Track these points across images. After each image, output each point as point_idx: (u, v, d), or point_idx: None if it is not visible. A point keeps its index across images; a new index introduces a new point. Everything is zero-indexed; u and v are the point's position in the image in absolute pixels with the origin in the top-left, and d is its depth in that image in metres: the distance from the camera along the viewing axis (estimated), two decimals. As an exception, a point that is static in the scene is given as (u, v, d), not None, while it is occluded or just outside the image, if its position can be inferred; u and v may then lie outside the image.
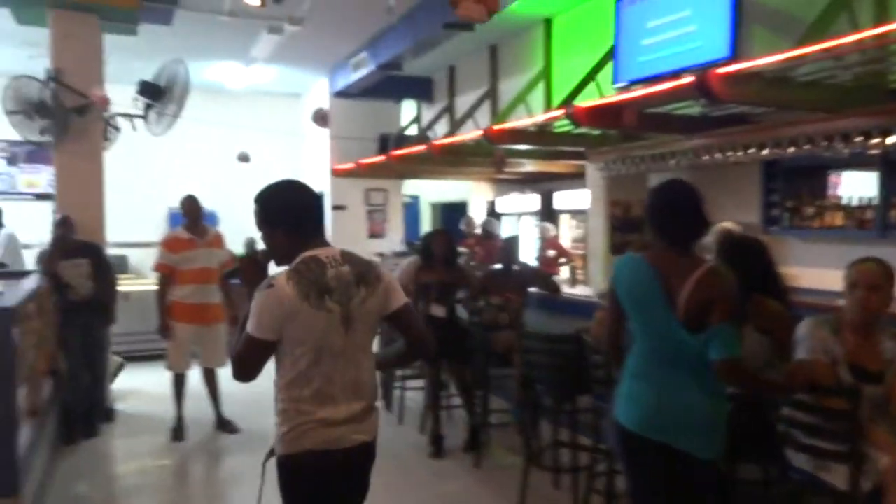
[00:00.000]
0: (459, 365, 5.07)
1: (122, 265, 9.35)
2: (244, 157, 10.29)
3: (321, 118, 9.85)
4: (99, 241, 5.95)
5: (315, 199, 2.36)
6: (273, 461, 2.25)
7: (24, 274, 5.68)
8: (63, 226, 5.56)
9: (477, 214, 10.69)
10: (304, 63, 9.61)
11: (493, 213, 10.94)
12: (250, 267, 2.33)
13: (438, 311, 5.04)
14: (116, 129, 6.62)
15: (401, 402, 5.85)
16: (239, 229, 10.16)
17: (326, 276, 2.19)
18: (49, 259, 5.44)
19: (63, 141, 5.94)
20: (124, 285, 7.03)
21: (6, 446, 3.42)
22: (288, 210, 2.29)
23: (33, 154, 9.80)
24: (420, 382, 5.71)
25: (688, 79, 4.34)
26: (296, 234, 2.26)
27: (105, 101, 6.07)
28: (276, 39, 7.78)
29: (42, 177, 10.09)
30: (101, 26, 6.24)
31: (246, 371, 2.20)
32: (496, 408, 5.31)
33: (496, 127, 6.72)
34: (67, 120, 5.87)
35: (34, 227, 7.72)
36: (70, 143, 5.98)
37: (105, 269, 5.64)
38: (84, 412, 5.39)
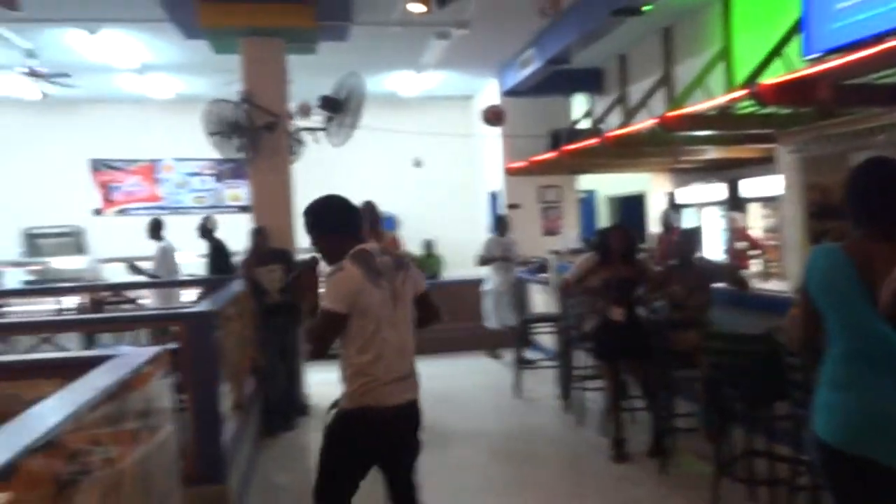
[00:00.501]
0: (639, 365, 4.85)
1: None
2: (418, 163, 10.65)
3: (494, 116, 9.88)
4: (289, 247, 6.39)
5: (353, 206, 2.91)
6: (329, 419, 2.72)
7: (225, 281, 6.22)
8: (258, 235, 6.03)
9: (656, 207, 10.24)
10: (473, 65, 9.73)
11: (673, 205, 10.43)
12: (310, 275, 2.82)
13: (617, 314, 4.84)
14: (300, 142, 7.07)
15: (580, 403, 5.72)
16: (416, 231, 10.48)
17: (375, 262, 2.70)
18: (246, 266, 5.92)
19: (255, 156, 6.46)
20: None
21: (213, 438, 3.76)
22: (336, 215, 2.84)
23: (236, 170, 10.75)
24: (600, 383, 5.54)
25: (893, 42, 3.84)
26: (344, 235, 2.78)
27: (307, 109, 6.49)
28: (445, 44, 7.95)
29: (243, 191, 11.07)
30: (285, 48, 6.71)
31: (322, 344, 2.73)
32: (683, 411, 5.03)
33: (672, 113, 6.37)
34: (258, 137, 6.36)
35: (239, 238, 8.50)
36: (261, 159, 6.48)
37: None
38: (282, 407, 5.81)
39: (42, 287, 8.74)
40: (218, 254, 7.25)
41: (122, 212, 11.24)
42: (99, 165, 11.20)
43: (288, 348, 5.92)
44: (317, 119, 6.81)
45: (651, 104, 8.09)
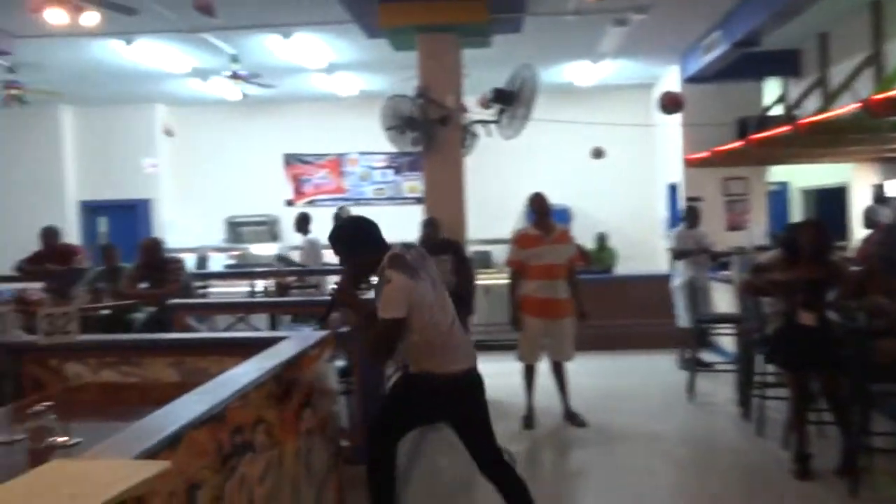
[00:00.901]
0: (830, 376, 4.40)
1: (484, 260, 10.12)
2: (599, 153, 10.34)
3: (672, 102, 9.36)
4: (460, 239, 6.50)
5: (372, 221, 3.30)
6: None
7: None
8: (430, 226, 6.19)
9: (860, 200, 9.24)
10: (653, 52, 9.31)
11: (880, 199, 9.35)
12: (345, 295, 3.20)
13: (807, 318, 4.42)
14: (474, 135, 7.16)
15: (760, 412, 5.30)
16: (589, 223, 10.23)
17: (408, 260, 3.06)
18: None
19: (429, 149, 6.63)
20: (485, 279, 7.59)
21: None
22: (365, 234, 3.23)
23: (413, 163, 11.11)
24: (784, 391, 5.11)
25: None
26: (375, 247, 3.16)
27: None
28: (623, 31, 7.66)
29: (420, 183, 11.44)
30: (459, 43, 6.82)
31: (388, 348, 3.07)
32: (881, 429, 4.50)
33: (880, 96, 5.69)
34: (432, 130, 6.52)
35: (413, 229, 8.81)
36: (435, 152, 6.65)
37: (464, 265, 6.13)
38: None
39: (238, 271, 9.57)
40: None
41: (310, 203, 12.02)
42: (291, 160, 12.07)
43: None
44: (490, 112, 6.85)
45: (856, 87, 7.29)
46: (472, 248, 6.82)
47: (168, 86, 10.44)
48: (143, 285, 6.33)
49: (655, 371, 7.58)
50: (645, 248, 11.05)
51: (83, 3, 5.64)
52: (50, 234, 7.54)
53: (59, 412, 2.40)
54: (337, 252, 3.24)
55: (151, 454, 1.50)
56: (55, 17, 5.69)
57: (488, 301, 7.54)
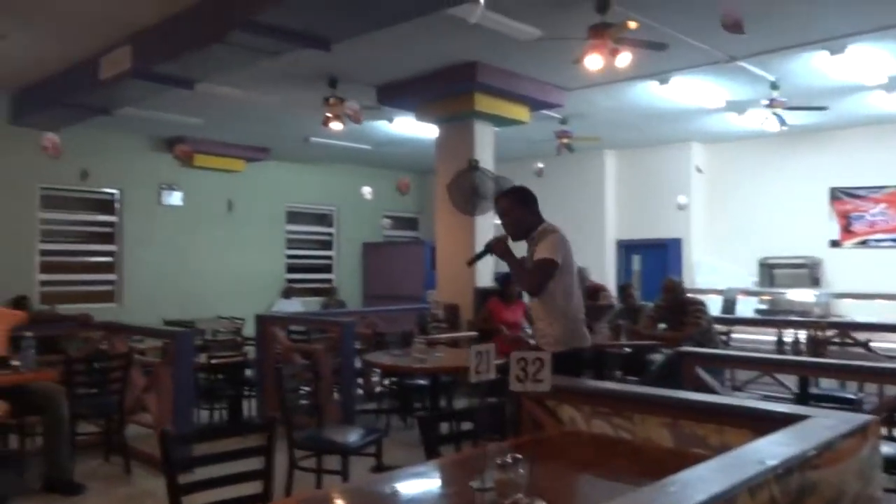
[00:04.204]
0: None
1: None
2: None
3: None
4: None
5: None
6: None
7: None
8: None
9: None
10: None
11: None
12: (500, 245, 3.85)
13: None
14: None
15: None
16: None
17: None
18: None
19: None
20: None
21: None
22: (535, 201, 3.89)
23: None
24: None
25: None
26: (538, 215, 3.88)
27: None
28: None
29: None
30: None
31: (540, 284, 3.67)
32: None
33: None
34: None
35: None
36: None
37: None
38: None
39: (764, 318, 8.67)
40: None
41: (862, 243, 10.32)
42: (839, 194, 10.56)
43: None
44: None
45: None
46: None
47: (702, 122, 10.23)
48: (662, 326, 6.14)
49: None
50: None
51: (617, 46, 5.78)
52: (579, 275, 8.00)
53: (543, 457, 2.26)
54: (509, 206, 3.84)
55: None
56: (592, 62, 5.97)
57: None
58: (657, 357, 6.00)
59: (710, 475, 1.60)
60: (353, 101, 7.76)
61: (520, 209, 3.85)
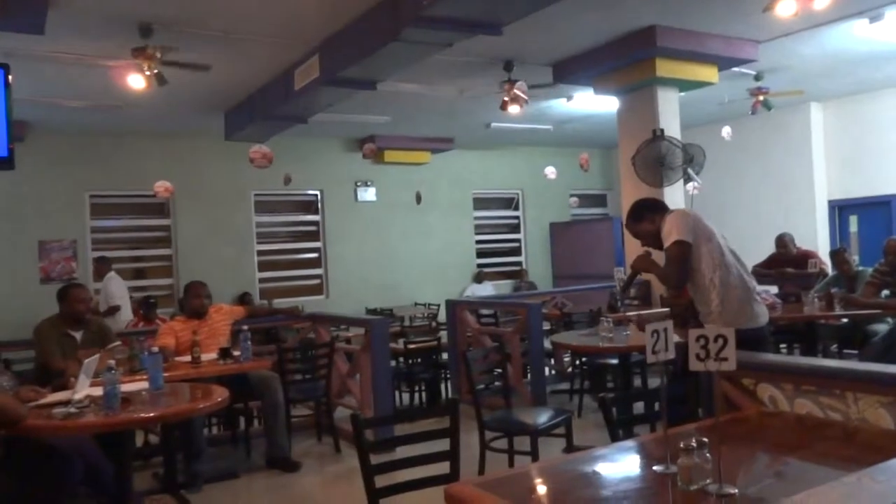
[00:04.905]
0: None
1: None
2: None
3: None
4: None
5: None
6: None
7: None
8: None
9: None
10: None
11: None
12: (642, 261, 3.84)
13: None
14: None
15: None
16: None
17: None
18: None
19: None
20: None
21: None
22: (647, 205, 3.90)
23: None
24: None
25: None
26: (660, 212, 3.79)
27: None
28: None
29: None
30: None
31: (678, 271, 3.54)
32: None
33: None
34: None
35: None
36: None
37: None
38: None
39: None
40: None
41: None
42: None
43: None
44: None
45: None
46: None
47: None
48: (885, 293, 5.47)
49: None
50: None
51: (812, -13, 5.22)
52: (780, 242, 7.36)
53: (738, 440, 2.11)
54: (633, 227, 3.83)
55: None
56: (785, 7, 5.44)
57: None
58: (881, 328, 5.36)
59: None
60: (521, 83, 7.70)
61: (642, 224, 3.82)
